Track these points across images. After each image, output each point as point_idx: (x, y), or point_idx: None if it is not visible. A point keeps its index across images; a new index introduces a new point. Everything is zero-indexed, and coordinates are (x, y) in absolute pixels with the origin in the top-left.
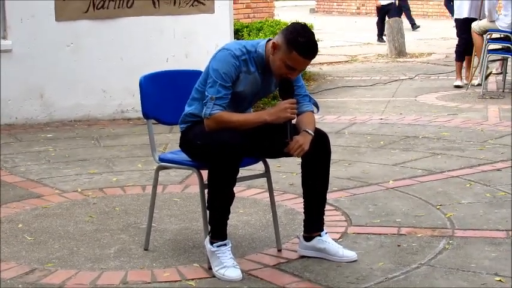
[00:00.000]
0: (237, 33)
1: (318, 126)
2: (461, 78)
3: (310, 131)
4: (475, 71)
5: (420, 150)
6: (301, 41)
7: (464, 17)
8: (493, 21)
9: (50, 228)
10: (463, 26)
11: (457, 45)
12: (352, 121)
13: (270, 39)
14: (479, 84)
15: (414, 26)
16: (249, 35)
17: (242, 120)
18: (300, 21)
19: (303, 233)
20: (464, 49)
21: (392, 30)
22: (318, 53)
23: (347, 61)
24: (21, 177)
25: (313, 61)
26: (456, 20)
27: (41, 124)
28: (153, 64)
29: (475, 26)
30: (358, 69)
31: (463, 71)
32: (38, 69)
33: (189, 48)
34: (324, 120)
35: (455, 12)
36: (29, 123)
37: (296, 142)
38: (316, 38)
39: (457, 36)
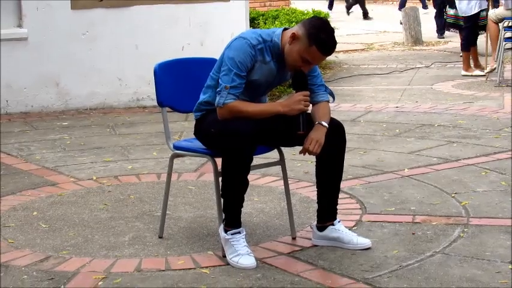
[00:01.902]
0: (253, 22)
1: (333, 114)
2: (469, 68)
3: (324, 123)
4: (488, 59)
5: (436, 139)
6: (322, 37)
7: (475, 12)
8: (509, 10)
9: (64, 215)
10: (471, 20)
11: (462, 37)
12: (368, 109)
13: (286, 28)
14: (491, 71)
15: (366, 16)
16: (264, 23)
17: (255, 110)
18: (315, 10)
19: (316, 222)
20: (470, 40)
21: (409, 18)
22: None
23: (363, 49)
24: (37, 165)
25: None
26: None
27: (57, 112)
28: (168, 52)
29: (491, 14)
30: (374, 58)
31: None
32: (54, 57)
33: (205, 37)
34: (340, 108)
35: (463, 10)
36: (44, 112)
37: (311, 139)
38: (334, 32)
39: (463, 28)
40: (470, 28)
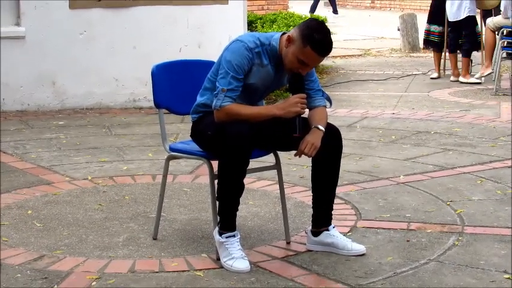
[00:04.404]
0: (251, 25)
1: (329, 119)
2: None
3: (321, 127)
4: (487, 65)
5: (432, 146)
6: (316, 37)
7: (463, 17)
8: (507, 18)
9: (59, 215)
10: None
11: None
12: (364, 115)
13: (284, 33)
14: (481, 77)
15: (335, 12)
16: (262, 26)
17: (252, 113)
18: (313, 14)
19: (310, 227)
20: (456, 45)
21: (407, 25)
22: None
23: (360, 55)
24: (32, 163)
25: None
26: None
27: (53, 111)
28: (165, 53)
29: (489, 22)
30: (371, 63)
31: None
32: (51, 56)
33: (202, 39)
34: (336, 113)
35: (452, 13)
36: (40, 110)
37: (307, 142)
38: (331, 33)
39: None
40: (474, 35)
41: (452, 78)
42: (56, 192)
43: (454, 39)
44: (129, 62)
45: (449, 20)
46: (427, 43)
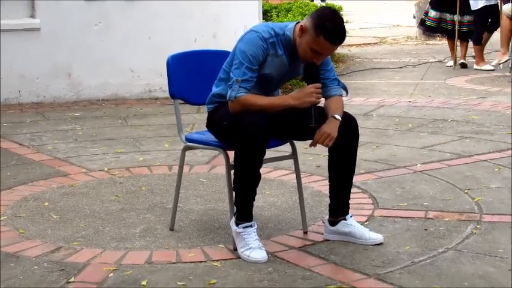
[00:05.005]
0: (266, 14)
1: (346, 108)
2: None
3: (337, 116)
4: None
5: (449, 134)
6: (329, 26)
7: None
8: None
9: (76, 206)
10: (480, 13)
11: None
12: (381, 103)
13: (298, 22)
14: (498, 64)
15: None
16: (277, 16)
17: (267, 103)
18: (328, 3)
19: (327, 217)
20: (482, 33)
21: (422, 13)
22: (347, 35)
23: (376, 43)
24: (48, 155)
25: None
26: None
27: (69, 103)
28: (181, 44)
29: (506, 9)
30: (387, 51)
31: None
32: (66, 48)
33: (217, 29)
34: (352, 102)
35: (472, 3)
36: (56, 102)
37: (323, 132)
38: (345, 22)
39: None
40: (482, 22)
41: (475, 66)
42: (73, 184)
43: (478, 30)
44: (144, 53)
45: (472, 9)
46: (422, 24)
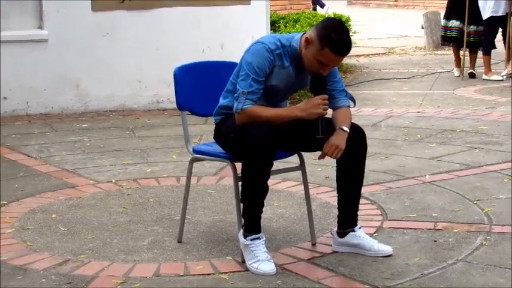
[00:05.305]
0: (274, 25)
1: (354, 118)
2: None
3: (345, 128)
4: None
5: (458, 144)
6: (334, 37)
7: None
8: None
9: (83, 218)
10: (490, 22)
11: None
12: (389, 114)
13: (304, 33)
14: (501, 79)
15: (323, 6)
16: (285, 26)
17: (273, 115)
18: (336, 13)
19: (336, 228)
20: (492, 43)
21: (430, 23)
22: (355, 45)
23: (384, 53)
24: (56, 167)
25: (350, 53)
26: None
27: (76, 114)
28: (188, 55)
29: None
30: (396, 62)
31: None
32: (74, 59)
33: (225, 40)
34: (361, 112)
35: (491, 10)
36: (64, 113)
37: (332, 145)
38: (353, 32)
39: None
40: (491, 31)
41: (484, 76)
42: (81, 196)
43: (487, 39)
44: (152, 64)
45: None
46: (446, 39)
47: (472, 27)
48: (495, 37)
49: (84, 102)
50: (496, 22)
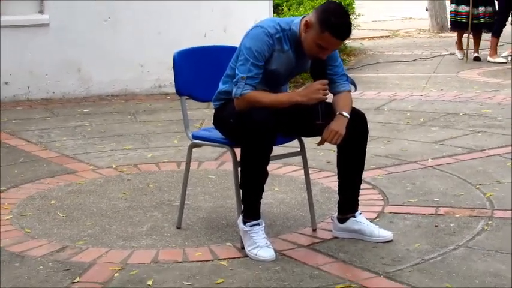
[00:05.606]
0: (277, 8)
1: (357, 102)
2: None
3: (345, 114)
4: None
5: (460, 128)
6: (333, 21)
7: None
8: None
9: (82, 205)
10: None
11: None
12: (392, 97)
13: (304, 17)
14: (505, 61)
15: None
16: (288, 9)
17: (273, 100)
18: None
19: (336, 214)
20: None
21: (435, 5)
22: (359, 28)
23: (388, 36)
24: (56, 152)
25: (353, 36)
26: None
27: (78, 99)
28: (191, 39)
29: None
30: (400, 44)
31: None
32: (75, 43)
33: (228, 23)
34: (364, 96)
35: None
36: (66, 98)
37: (331, 130)
38: (357, 15)
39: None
40: (505, 12)
41: (488, 58)
42: (80, 182)
43: (499, 20)
44: (154, 48)
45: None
46: (457, 25)
47: (481, 9)
48: (507, 18)
49: (86, 86)
50: (510, 2)
